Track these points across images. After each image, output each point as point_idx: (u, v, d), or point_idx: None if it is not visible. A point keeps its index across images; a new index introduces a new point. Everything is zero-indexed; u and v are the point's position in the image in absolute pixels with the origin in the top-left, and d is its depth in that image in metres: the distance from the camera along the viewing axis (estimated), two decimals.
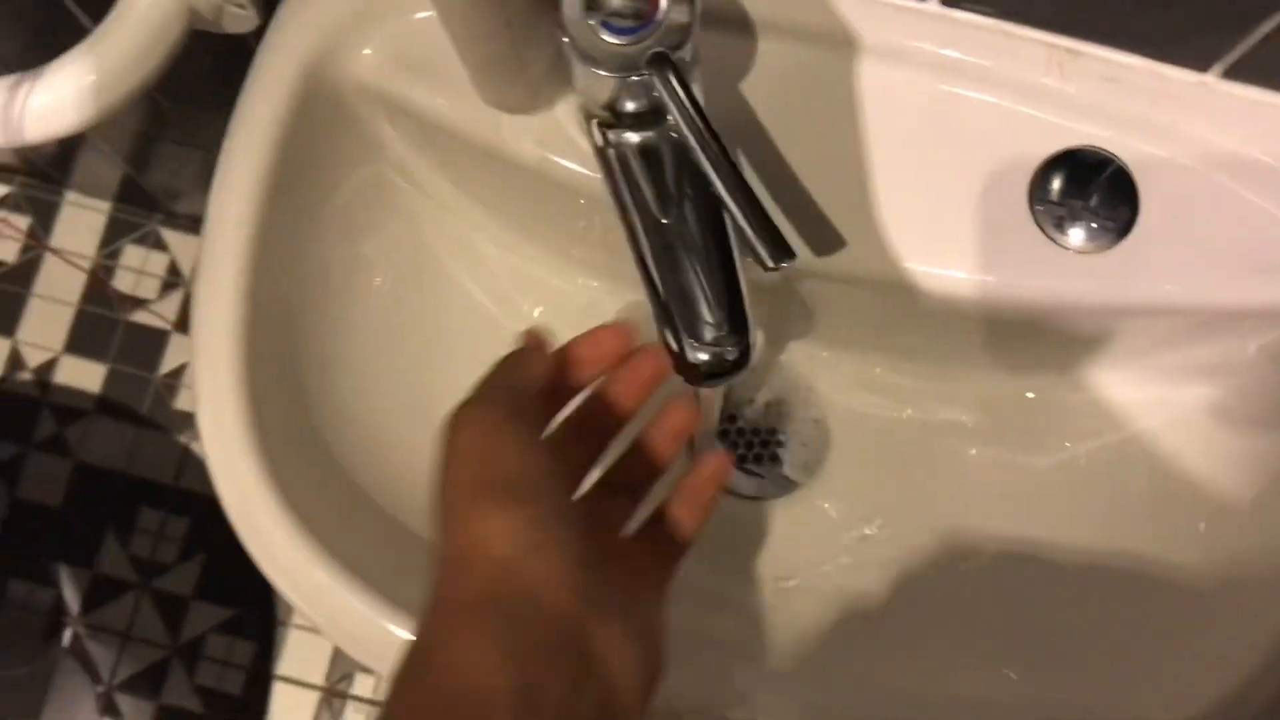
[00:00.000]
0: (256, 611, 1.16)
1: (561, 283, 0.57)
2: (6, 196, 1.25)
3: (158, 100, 0.83)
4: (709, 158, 0.37)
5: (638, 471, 0.43)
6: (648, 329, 0.42)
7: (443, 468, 0.36)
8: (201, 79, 0.75)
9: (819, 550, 0.54)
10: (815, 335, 0.55)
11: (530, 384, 0.39)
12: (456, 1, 0.38)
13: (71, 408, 1.20)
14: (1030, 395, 0.54)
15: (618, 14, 0.37)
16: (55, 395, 1.20)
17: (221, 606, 1.16)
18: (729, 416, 0.57)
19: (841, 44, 0.45)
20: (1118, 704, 0.47)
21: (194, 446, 1.20)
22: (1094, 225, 0.44)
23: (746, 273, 0.41)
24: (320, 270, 0.52)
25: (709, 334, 0.40)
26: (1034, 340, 0.50)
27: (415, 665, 0.32)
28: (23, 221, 1.24)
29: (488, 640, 0.31)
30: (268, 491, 0.45)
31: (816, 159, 0.45)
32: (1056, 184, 0.44)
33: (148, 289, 1.22)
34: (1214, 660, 0.46)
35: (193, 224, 1.23)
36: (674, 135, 0.40)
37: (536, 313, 0.57)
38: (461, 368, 0.56)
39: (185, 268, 1.23)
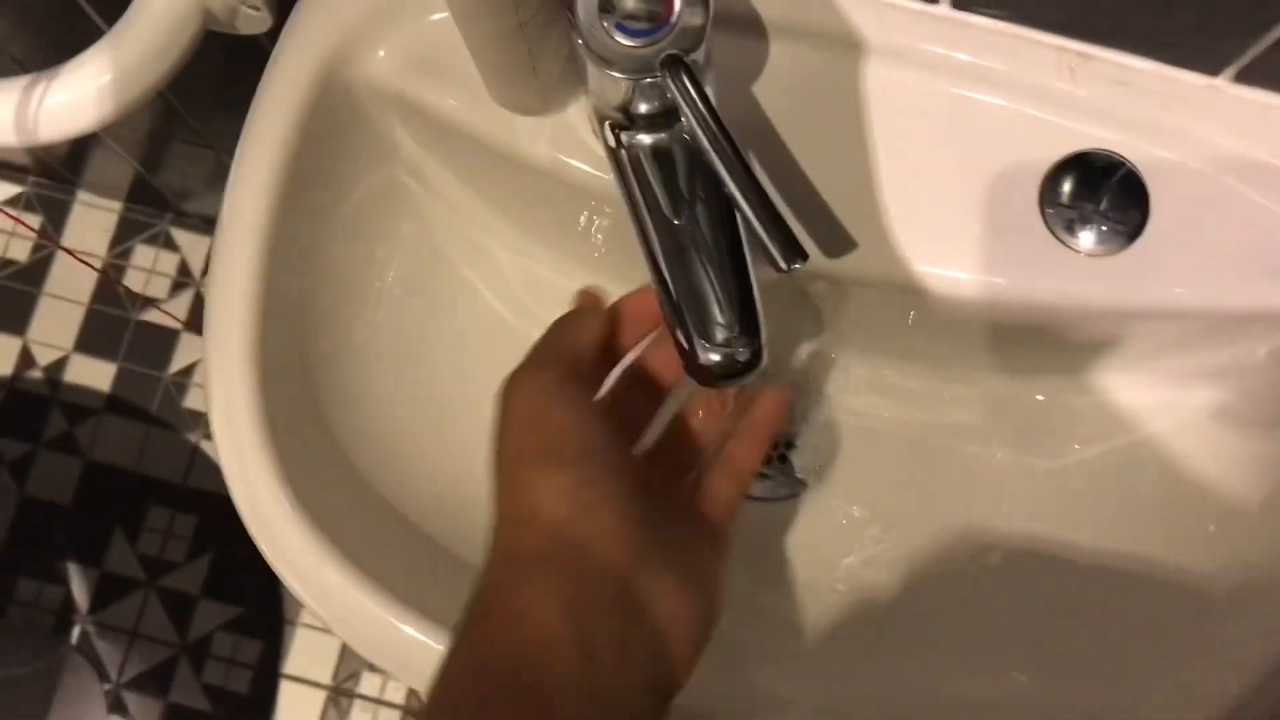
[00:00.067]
0: (264, 610, 1.16)
1: (572, 285, 0.56)
2: (19, 196, 1.25)
3: (170, 100, 0.84)
4: (722, 159, 0.37)
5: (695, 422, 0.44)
6: None
7: (497, 433, 0.37)
8: (214, 80, 0.76)
9: (829, 552, 0.54)
10: (825, 337, 0.55)
11: (582, 346, 0.40)
12: (470, 3, 0.38)
13: (81, 406, 1.21)
14: (1040, 398, 0.54)
15: (632, 16, 0.37)
16: (65, 394, 1.21)
17: (229, 605, 1.16)
18: None
19: (853, 46, 0.45)
20: (1126, 707, 0.47)
21: (203, 445, 1.20)
22: (1104, 228, 0.44)
23: (757, 274, 0.41)
24: (333, 271, 0.52)
25: (721, 335, 0.40)
26: (1043, 343, 0.50)
27: (478, 613, 0.34)
28: (34, 220, 1.25)
29: (546, 592, 0.33)
30: (280, 490, 0.45)
31: (828, 161, 0.45)
32: (1067, 187, 0.44)
33: (158, 288, 1.23)
34: (1223, 664, 0.46)
35: (203, 224, 1.24)
36: (687, 137, 0.40)
37: (548, 315, 0.57)
38: (472, 369, 0.56)
39: (196, 267, 1.23)
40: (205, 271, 1.21)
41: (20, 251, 1.24)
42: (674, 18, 0.37)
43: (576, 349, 0.40)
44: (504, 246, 0.56)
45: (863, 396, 0.56)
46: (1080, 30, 0.43)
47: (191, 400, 1.21)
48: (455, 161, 0.52)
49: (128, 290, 1.22)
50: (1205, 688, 0.45)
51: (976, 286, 0.44)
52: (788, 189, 0.45)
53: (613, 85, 0.38)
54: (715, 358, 0.40)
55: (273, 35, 0.50)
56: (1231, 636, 0.46)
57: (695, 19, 0.37)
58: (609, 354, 0.42)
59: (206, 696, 1.15)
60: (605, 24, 0.37)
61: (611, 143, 0.41)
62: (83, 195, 1.25)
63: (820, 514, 0.55)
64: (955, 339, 0.51)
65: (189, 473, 1.19)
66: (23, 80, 0.54)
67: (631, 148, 0.41)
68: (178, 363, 1.21)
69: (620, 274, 0.56)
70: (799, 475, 0.56)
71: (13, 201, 1.25)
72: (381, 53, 0.47)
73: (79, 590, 1.17)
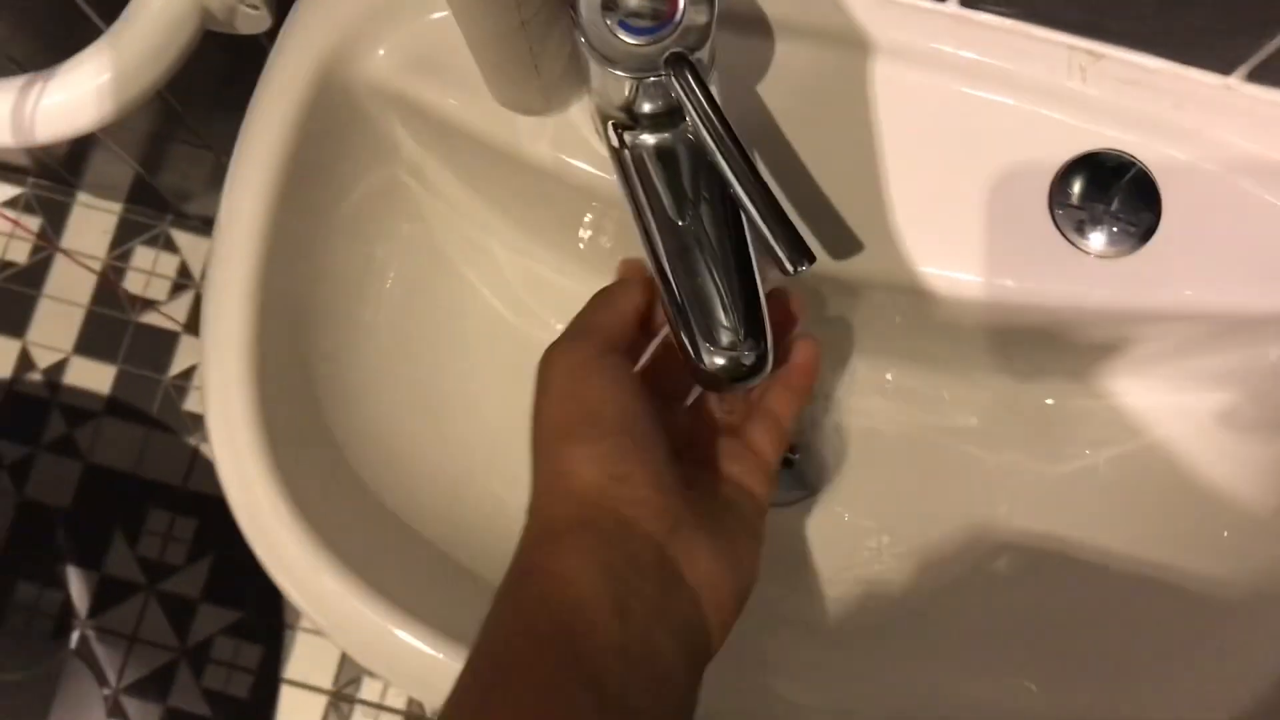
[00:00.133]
0: (264, 614, 1.16)
1: (574, 285, 0.56)
2: (18, 197, 1.25)
3: (169, 101, 0.83)
4: (727, 159, 0.36)
5: None
6: None
7: (535, 406, 0.38)
8: (213, 80, 0.75)
9: (836, 556, 0.54)
10: (831, 340, 0.55)
11: (619, 318, 0.41)
12: (471, 2, 0.37)
13: (81, 409, 1.20)
14: (1049, 401, 0.53)
15: (635, 14, 0.36)
16: (65, 396, 1.21)
17: (229, 609, 1.16)
18: None
19: (860, 45, 0.44)
20: (1134, 715, 0.47)
21: (203, 448, 1.20)
22: (1115, 229, 0.43)
23: (762, 276, 0.40)
24: (332, 271, 0.51)
25: (725, 338, 0.39)
26: (1052, 345, 0.50)
27: (518, 574, 0.35)
28: (33, 222, 1.24)
29: (584, 556, 0.34)
30: (276, 495, 0.45)
31: (834, 162, 0.45)
32: (1077, 187, 0.43)
33: (158, 290, 1.23)
34: (1236, 670, 0.45)
35: (203, 225, 1.23)
36: (691, 137, 0.40)
37: (548, 315, 0.56)
38: (472, 370, 0.56)
39: (196, 269, 1.23)
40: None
41: (19, 253, 1.24)
42: (678, 15, 0.36)
43: (615, 320, 0.40)
44: (504, 246, 0.56)
45: (870, 400, 0.55)
46: (1091, 29, 0.43)
47: (191, 403, 1.20)
48: (456, 161, 0.51)
49: (127, 293, 1.22)
50: (1218, 696, 0.45)
51: (985, 288, 0.44)
52: (793, 190, 0.44)
53: (616, 84, 0.38)
54: (720, 361, 0.39)
55: (272, 34, 0.50)
56: (1244, 644, 0.46)
57: (700, 17, 0.36)
58: (650, 324, 0.43)
59: (207, 701, 1.14)
60: (608, 22, 0.36)
61: (614, 143, 0.41)
62: (82, 196, 1.24)
63: (827, 518, 0.55)
64: (963, 341, 0.50)
65: (189, 475, 1.19)
66: (19, 80, 0.53)
67: (635, 148, 0.40)
68: (178, 365, 1.21)
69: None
70: (805, 480, 0.55)
71: (12, 203, 1.25)
72: (381, 52, 0.47)
73: (78, 594, 1.17)
